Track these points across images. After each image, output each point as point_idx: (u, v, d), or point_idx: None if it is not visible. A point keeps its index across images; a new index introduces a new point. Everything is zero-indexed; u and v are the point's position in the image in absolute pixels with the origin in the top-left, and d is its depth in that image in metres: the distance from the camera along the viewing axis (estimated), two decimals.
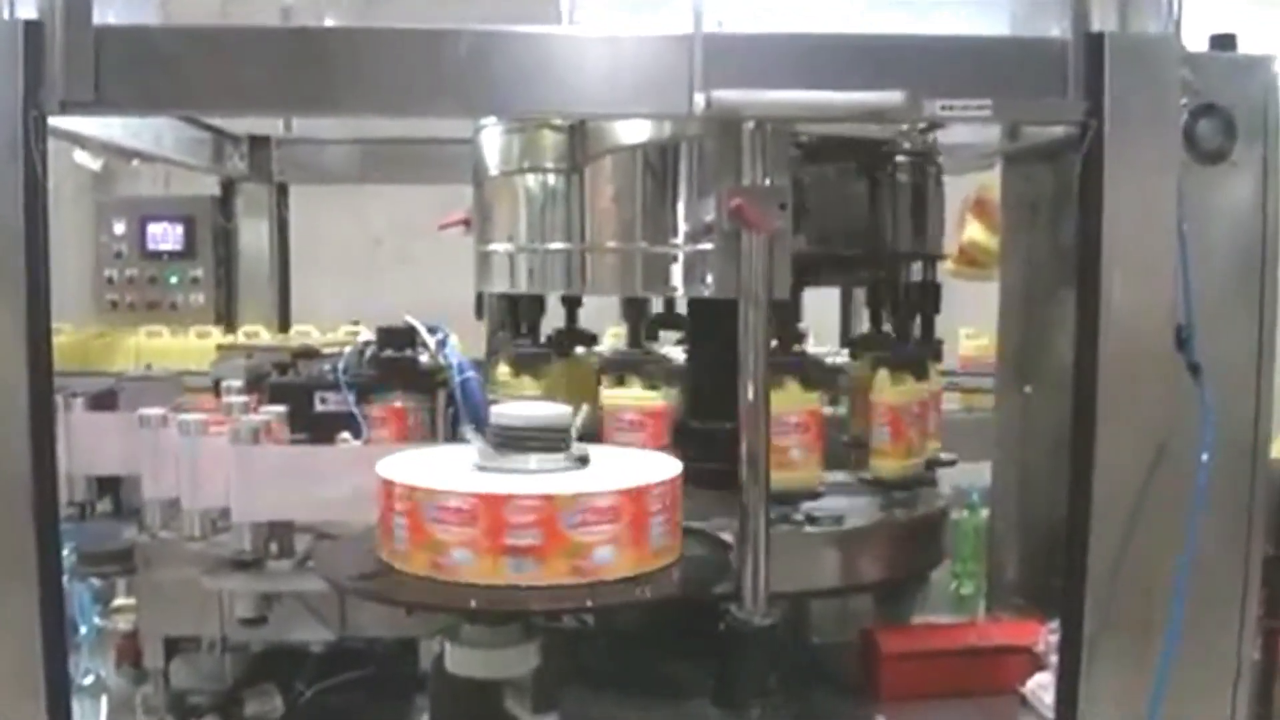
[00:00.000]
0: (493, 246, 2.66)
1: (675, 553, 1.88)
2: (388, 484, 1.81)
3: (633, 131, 2.45)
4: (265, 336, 3.94)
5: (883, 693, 2.41)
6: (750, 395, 2.26)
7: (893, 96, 2.09)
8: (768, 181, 2.23)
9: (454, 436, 2.36)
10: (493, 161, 2.67)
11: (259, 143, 3.83)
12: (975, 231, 3.34)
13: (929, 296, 2.81)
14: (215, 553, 2.05)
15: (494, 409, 1.84)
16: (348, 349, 2.55)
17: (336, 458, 1.98)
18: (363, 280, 5.46)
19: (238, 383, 2.46)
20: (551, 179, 2.53)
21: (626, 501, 1.78)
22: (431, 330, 2.45)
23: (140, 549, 2.12)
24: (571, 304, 2.87)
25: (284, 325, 4.22)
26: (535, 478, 1.80)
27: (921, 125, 2.72)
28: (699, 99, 2.06)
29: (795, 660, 2.38)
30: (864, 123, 2.44)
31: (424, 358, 2.42)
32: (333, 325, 4.08)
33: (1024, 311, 2.97)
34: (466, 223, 2.93)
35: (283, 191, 4.20)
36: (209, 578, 2.02)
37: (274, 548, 2.04)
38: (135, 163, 3.49)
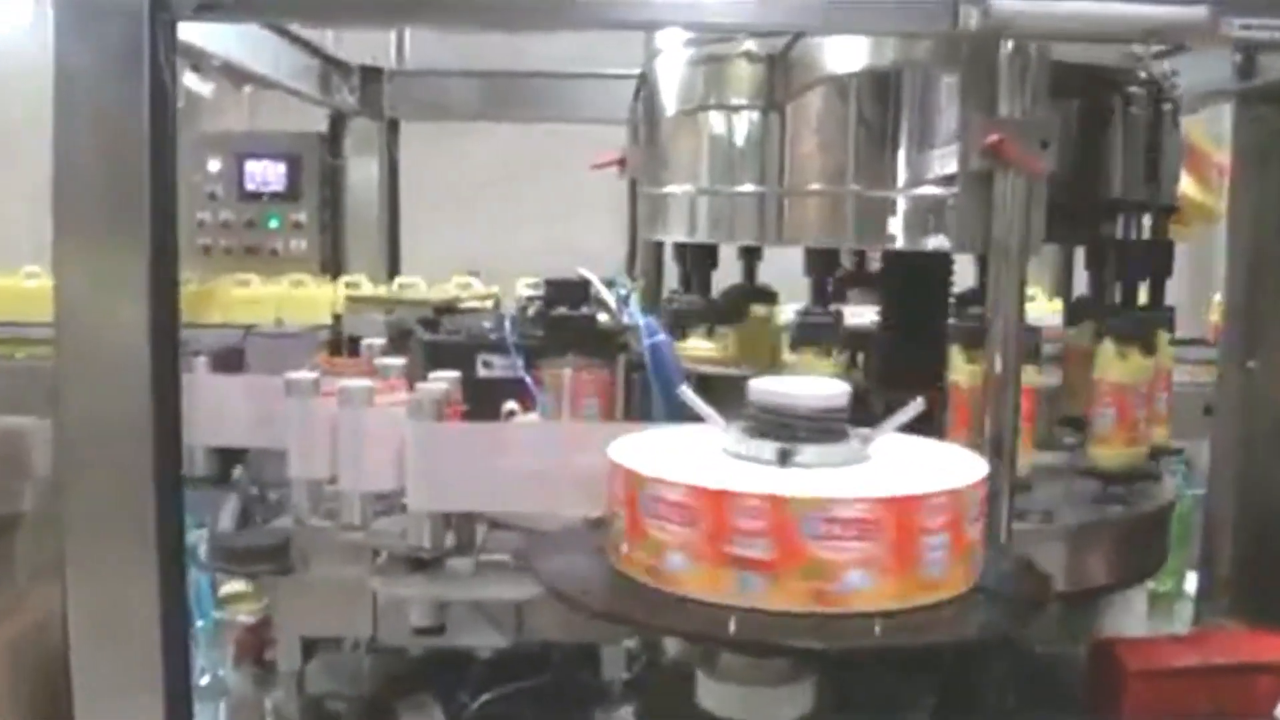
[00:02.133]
0: (669, 189, 2.31)
1: (964, 582, 1.49)
2: (616, 469, 1.47)
3: (846, 59, 2.09)
4: (368, 287, 3.60)
5: (1125, 714, 2.07)
6: (999, 369, 1.92)
7: (1195, 12, 1.73)
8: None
9: (639, 408, 2.04)
10: (670, 96, 2.32)
11: (371, 74, 3.48)
12: (1185, 185, 2.96)
13: (1160, 256, 2.43)
14: (378, 543, 1.71)
15: (756, 384, 1.48)
16: (489, 303, 2.24)
17: (542, 436, 1.63)
18: (465, 226, 5.06)
19: (379, 341, 2.13)
20: (746, 115, 2.17)
21: (886, 513, 1.39)
22: (608, 284, 2.10)
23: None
24: (750, 257, 2.52)
25: (392, 275, 3.88)
26: (791, 474, 1.45)
27: (1157, 49, 2.35)
28: (970, 11, 1.70)
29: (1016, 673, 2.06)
30: (1151, 43, 2.08)
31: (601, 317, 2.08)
32: (440, 275, 3.74)
33: (1251, 276, 2.62)
34: (622, 163, 2.61)
35: (394, 128, 3.85)
36: (382, 582, 1.69)
37: (450, 539, 1.69)
38: (248, 90, 3.17)
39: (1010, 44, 1.86)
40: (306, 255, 4.34)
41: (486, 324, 2.13)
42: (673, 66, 2.30)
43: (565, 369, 2.02)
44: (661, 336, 2.00)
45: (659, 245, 2.59)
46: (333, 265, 4.21)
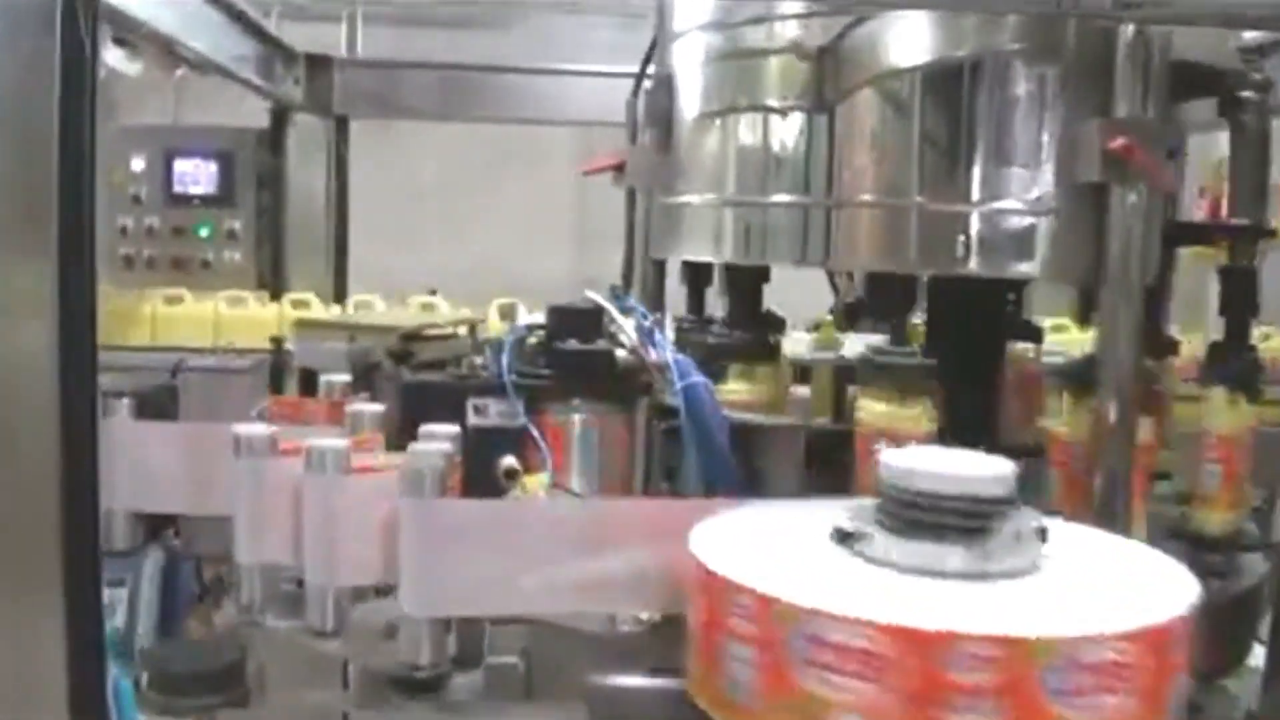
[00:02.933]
0: (687, 199, 1.95)
1: None
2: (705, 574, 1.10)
3: (912, 49, 1.74)
4: (381, 307, 3.17)
5: None
6: (1113, 418, 1.59)
7: None
8: None
9: (663, 466, 1.68)
10: (693, 90, 1.97)
11: (318, 64, 3.07)
12: None
13: (1241, 287, 2.06)
14: (359, 658, 1.33)
15: (894, 459, 1.11)
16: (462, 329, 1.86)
17: (588, 518, 1.24)
18: (406, 238, 4.63)
19: (342, 377, 1.75)
20: (789, 118, 1.82)
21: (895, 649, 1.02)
22: (624, 311, 1.74)
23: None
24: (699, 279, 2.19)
25: (340, 293, 3.46)
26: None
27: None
28: None
29: None
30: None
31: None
32: (386, 293, 3.33)
33: None
34: (619, 168, 2.25)
35: (342, 126, 3.42)
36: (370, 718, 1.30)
37: (451, 644, 1.31)
38: (179, 73, 2.77)
39: (1131, 31, 1.54)
40: (242, 268, 3.86)
41: (477, 359, 1.76)
42: (695, 56, 1.95)
43: (575, 415, 1.65)
44: (697, 379, 1.64)
45: (663, 264, 2.23)
46: (272, 280, 3.74)
